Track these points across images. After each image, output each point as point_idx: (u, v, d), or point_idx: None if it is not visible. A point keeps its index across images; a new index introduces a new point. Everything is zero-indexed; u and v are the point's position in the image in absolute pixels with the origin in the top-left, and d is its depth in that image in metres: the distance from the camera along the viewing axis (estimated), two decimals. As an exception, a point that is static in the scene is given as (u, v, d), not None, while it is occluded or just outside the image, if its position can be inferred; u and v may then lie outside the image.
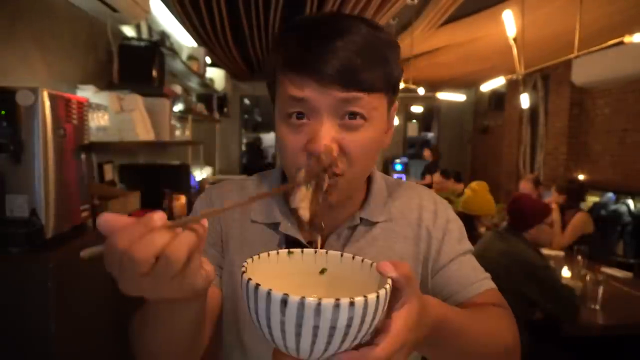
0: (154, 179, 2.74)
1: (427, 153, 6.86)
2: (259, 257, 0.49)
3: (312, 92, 0.59)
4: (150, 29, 3.04)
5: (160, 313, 0.50)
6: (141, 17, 2.33)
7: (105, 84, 2.38)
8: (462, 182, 4.76)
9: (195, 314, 0.51)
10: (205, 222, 0.41)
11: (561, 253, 3.12)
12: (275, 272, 0.50)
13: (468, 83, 7.59)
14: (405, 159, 8.30)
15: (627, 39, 2.49)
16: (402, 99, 7.52)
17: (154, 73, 2.58)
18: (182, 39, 4.18)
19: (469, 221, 3.45)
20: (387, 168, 8.10)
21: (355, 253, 0.53)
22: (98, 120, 1.97)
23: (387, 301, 0.43)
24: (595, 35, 3.37)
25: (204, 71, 4.17)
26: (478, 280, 0.71)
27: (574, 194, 3.55)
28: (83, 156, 1.45)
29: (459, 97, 6.15)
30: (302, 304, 0.38)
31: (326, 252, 0.53)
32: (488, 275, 0.73)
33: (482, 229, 3.48)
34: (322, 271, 0.53)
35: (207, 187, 1.34)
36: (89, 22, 2.25)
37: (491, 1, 3.46)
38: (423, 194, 0.78)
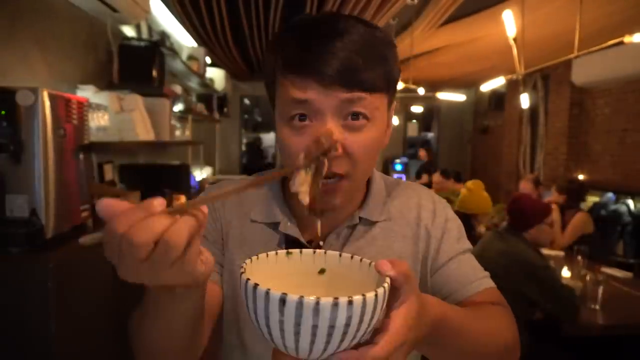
0: (154, 179, 2.75)
1: (422, 153, 7.03)
2: (257, 258, 0.49)
3: (314, 93, 0.59)
4: (150, 29, 3.04)
5: (159, 301, 0.49)
6: (141, 17, 2.33)
7: (105, 84, 2.38)
8: (462, 182, 4.76)
9: (194, 307, 0.51)
10: (205, 208, 0.40)
11: (561, 253, 3.12)
12: (274, 273, 0.50)
13: (468, 83, 7.58)
14: (405, 159, 8.30)
15: (627, 39, 2.49)
16: (402, 99, 7.51)
17: (154, 73, 2.58)
18: (182, 39, 4.18)
19: (467, 221, 3.44)
20: (387, 168, 8.10)
21: (354, 252, 0.53)
22: (98, 120, 1.97)
23: (386, 300, 0.43)
24: (595, 35, 3.37)
25: (204, 71, 4.17)
26: (477, 279, 0.71)
27: (574, 194, 3.55)
28: (83, 156, 1.45)
29: (459, 97, 6.14)
30: (300, 303, 0.38)
31: (325, 252, 0.53)
32: (487, 274, 0.73)
33: (481, 229, 3.47)
34: (321, 271, 0.53)
35: (206, 187, 1.35)
36: (89, 22, 2.25)
37: (491, 1, 3.46)
38: (422, 194, 0.78)
